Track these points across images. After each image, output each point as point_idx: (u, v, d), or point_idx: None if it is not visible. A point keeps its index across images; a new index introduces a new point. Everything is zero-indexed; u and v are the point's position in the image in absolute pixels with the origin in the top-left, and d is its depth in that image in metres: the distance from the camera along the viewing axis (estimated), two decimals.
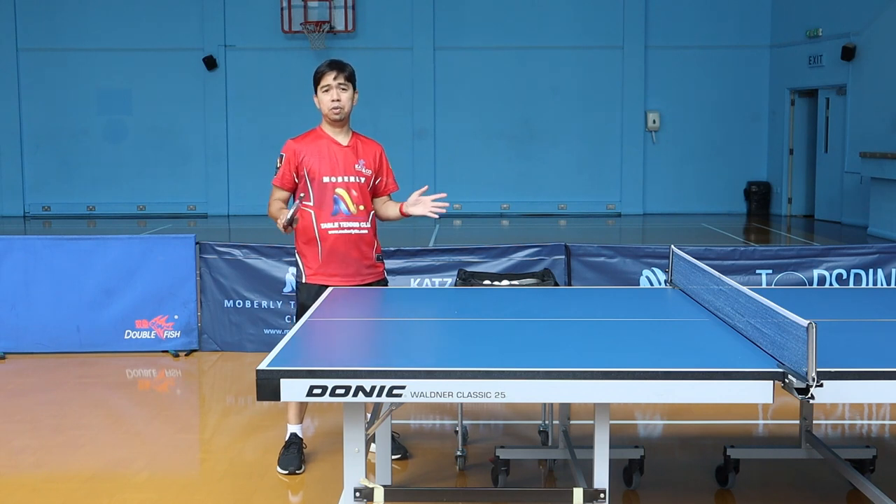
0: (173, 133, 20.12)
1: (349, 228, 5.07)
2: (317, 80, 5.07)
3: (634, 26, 19.78)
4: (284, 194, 5.14)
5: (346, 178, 5.07)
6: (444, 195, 5.17)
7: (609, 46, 19.81)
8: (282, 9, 19.60)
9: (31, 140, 20.10)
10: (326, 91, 5.03)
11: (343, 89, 5.03)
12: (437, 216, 5.13)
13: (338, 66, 5.07)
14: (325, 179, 5.04)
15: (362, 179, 5.11)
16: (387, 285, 5.39)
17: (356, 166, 5.10)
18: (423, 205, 5.13)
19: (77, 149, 20.10)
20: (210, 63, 19.72)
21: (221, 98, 19.99)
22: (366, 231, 5.14)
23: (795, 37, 18.89)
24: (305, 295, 5.07)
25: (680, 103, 19.93)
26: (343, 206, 5.05)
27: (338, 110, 5.03)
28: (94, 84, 20.01)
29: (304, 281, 5.14)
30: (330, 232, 5.04)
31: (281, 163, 5.08)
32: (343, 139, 5.13)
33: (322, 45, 19.41)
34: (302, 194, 5.06)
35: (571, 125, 19.99)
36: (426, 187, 5.25)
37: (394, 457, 5.10)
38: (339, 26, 19.55)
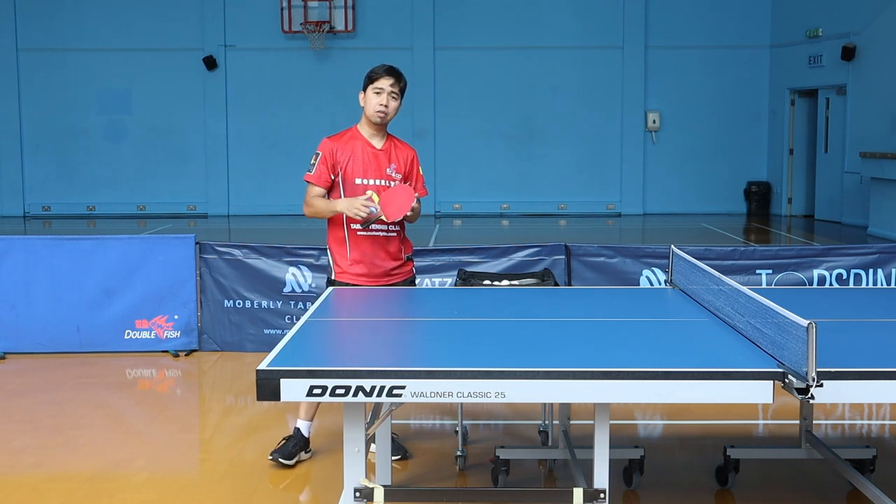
0: (173, 133, 20.11)
1: (377, 231, 5.12)
2: (371, 79, 5.10)
3: (634, 26, 19.78)
4: (320, 191, 5.13)
5: (377, 181, 5.12)
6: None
7: (609, 46, 19.81)
8: (282, 9, 19.59)
9: (31, 140, 20.10)
10: (378, 94, 5.07)
11: (394, 98, 5.09)
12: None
13: (396, 74, 5.12)
14: (358, 181, 5.10)
15: (393, 183, 5.14)
16: (414, 284, 5.43)
17: (387, 170, 5.15)
18: None
19: (77, 149, 20.09)
20: (210, 63, 19.72)
21: (221, 98, 19.99)
22: (394, 234, 5.19)
23: (795, 37, 18.89)
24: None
25: (680, 103, 19.93)
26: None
27: (382, 114, 5.09)
28: (94, 84, 20.00)
29: (333, 278, 5.19)
30: (359, 234, 5.10)
31: (317, 160, 5.10)
32: (378, 142, 5.17)
33: (322, 45, 19.41)
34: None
35: (571, 125, 19.99)
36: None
37: (394, 457, 5.12)
38: (339, 26, 19.55)
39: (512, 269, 7.68)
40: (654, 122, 19.98)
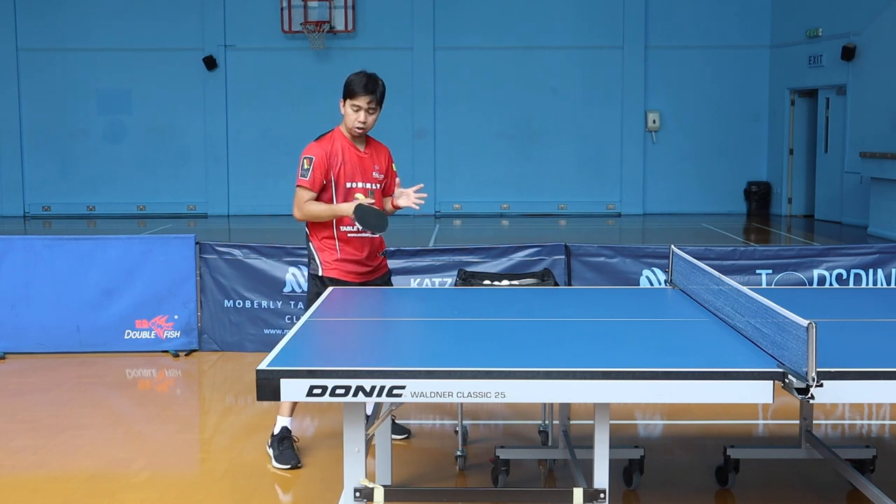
0: (173, 133, 20.11)
1: (364, 231, 5.22)
2: (349, 92, 5.17)
3: (634, 26, 19.78)
4: (313, 195, 5.20)
5: (365, 185, 5.25)
6: (421, 185, 5.40)
7: (609, 46, 19.81)
8: (282, 9, 19.59)
9: (31, 140, 20.10)
10: (356, 111, 5.15)
11: (371, 112, 5.19)
12: (417, 207, 5.34)
13: (372, 88, 5.16)
14: (349, 185, 5.21)
15: (378, 186, 5.32)
16: (391, 279, 5.57)
17: (374, 173, 5.30)
18: (405, 196, 5.33)
19: (77, 149, 20.09)
20: (210, 63, 19.71)
21: (221, 98, 19.99)
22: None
23: (795, 37, 18.89)
24: (324, 287, 5.18)
25: (680, 103, 19.93)
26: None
27: (361, 130, 5.21)
28: (94, 84, 20.00)
29: (320, 274, 5.26)
30: (349, 235, 5.23)
31: (311, 165, 5.16)
32: (361, 145, 5.31)
33: (322, 45, 19.41)
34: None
35: (571, 125, 19.98)
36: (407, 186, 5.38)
37: (401, 436, 5.46)
38: (339, 26, 19.55)
39: (512, 269, 7.68)
40: (654, 121, 19.98)
